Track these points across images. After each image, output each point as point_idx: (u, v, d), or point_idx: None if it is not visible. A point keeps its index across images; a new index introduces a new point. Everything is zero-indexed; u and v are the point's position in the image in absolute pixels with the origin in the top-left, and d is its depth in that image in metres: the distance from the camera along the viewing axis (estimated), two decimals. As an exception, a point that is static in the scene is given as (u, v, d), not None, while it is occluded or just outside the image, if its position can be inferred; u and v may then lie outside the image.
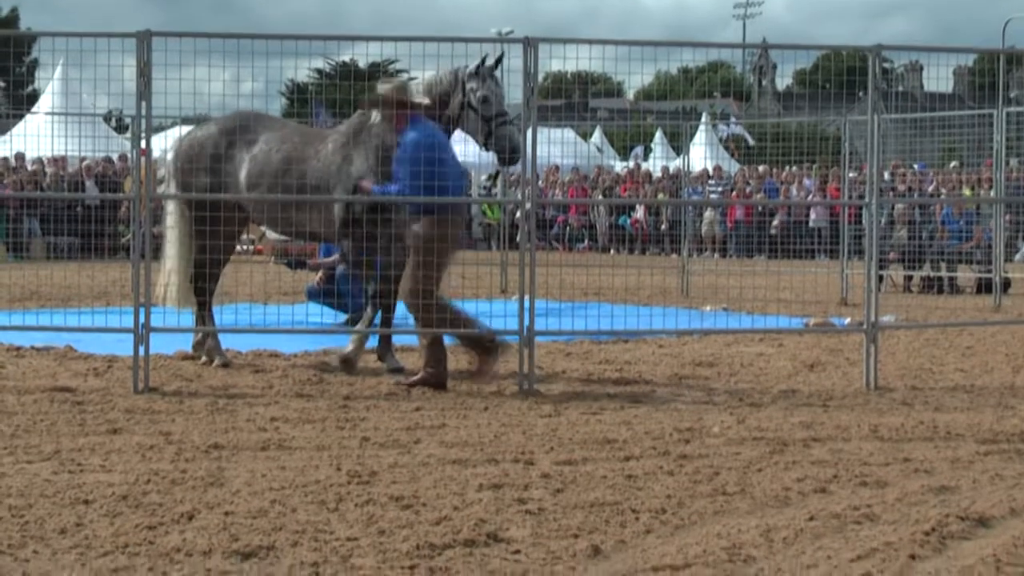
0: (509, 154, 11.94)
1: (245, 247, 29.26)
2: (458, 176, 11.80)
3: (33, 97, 55.96)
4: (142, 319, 11.25)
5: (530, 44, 11.41)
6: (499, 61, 12.02)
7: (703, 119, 44.45)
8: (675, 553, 6.33)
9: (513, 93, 12.08)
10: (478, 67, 11.86)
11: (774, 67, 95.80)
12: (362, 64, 35.40)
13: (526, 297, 11.57)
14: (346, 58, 30.49)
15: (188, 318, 13.05)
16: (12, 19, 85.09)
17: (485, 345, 11.49)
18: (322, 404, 10.54)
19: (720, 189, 34.61)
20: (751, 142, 41.77)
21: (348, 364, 12.25)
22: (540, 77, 11.79)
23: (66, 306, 16.46)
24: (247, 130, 12.33)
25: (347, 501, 7.30)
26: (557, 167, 37.52)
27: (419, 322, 11.48)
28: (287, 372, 12.22)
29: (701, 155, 40.36)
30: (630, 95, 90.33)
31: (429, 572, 6.00)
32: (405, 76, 12.64)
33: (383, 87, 11.82)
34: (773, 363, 13.42)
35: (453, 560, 6.19)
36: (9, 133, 35.11)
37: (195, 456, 8.49)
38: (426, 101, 11.73)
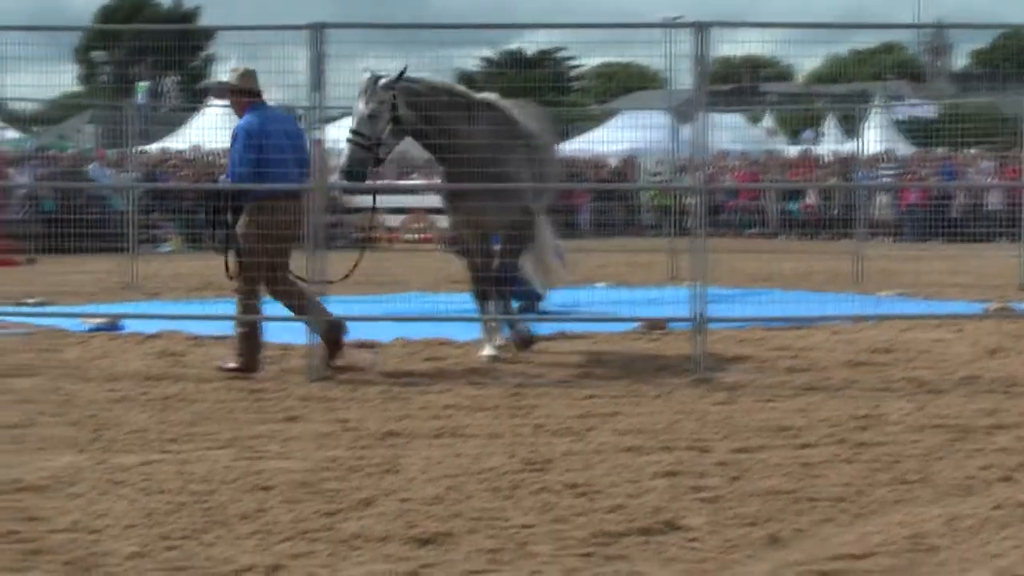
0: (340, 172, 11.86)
1: (415, 236, 29.54)
2: (296, 163, 11.60)
3: (208, 90, 57.00)
4: (317, 308, 11.38)
5: (701, 29, 11.32)
6: (401, 74, 11.84)
7: (876, 100, 43.70)
8: (855, 542, 6.23)
9: (683, 78, 12.00)
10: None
11: (950, 47, 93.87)
12: (530, 52, 35.48)
13: (698, 283, 11.48)
14: (514, 46, 30.54)
15: (361, 307, 13.19)
16: (192, 14, 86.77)
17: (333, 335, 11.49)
18: (495, 392, 10.58)
19: (893, 172, 34.02)
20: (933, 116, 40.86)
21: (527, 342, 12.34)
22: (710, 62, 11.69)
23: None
24: None
25: (522, 488, 7.31)
26: (726, 152, 37.22)
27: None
28: (459, 360, 12.28)
29: (875, 138, 39.71)
30: (800, 78, 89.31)
31: (605, 559, 5.98)
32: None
33: (230, 75, 11.78)
34: (952, 349, 13.14)
35: (629, 548, 6.16)
36: (185, 126, 35.83)
37: (371, 443, 8.57)
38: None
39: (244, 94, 11.58)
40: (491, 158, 11.83)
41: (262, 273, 11.49)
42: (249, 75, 11.70)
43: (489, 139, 11.93)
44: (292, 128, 11.93)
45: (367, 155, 11.66)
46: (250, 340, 11.50)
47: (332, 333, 11.49)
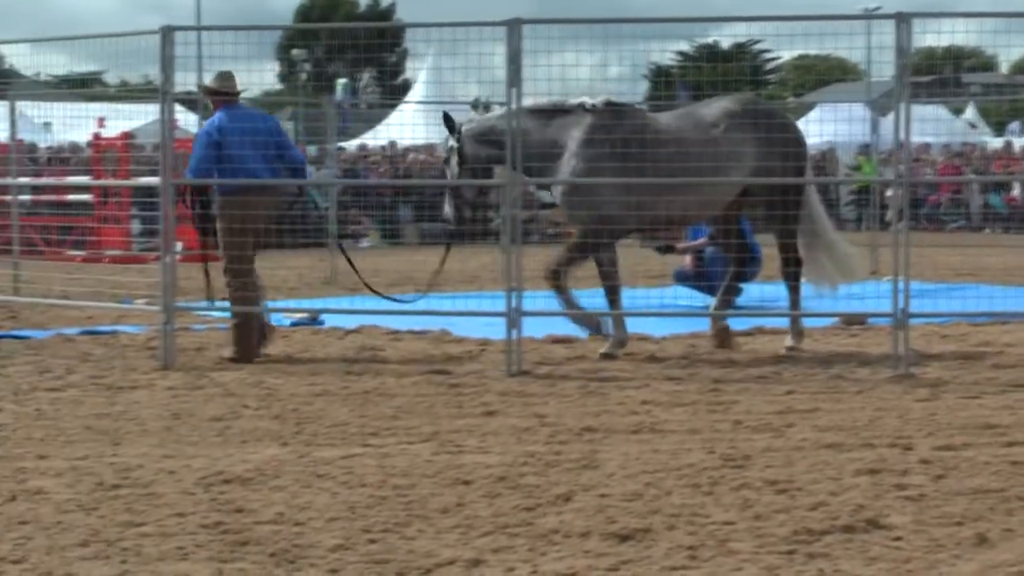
0: None
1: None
2: (264, 159, 12.02)
3: (404, 87, 57.57)
4: (514, 303, 11.43)
5: (903, 20, 11.09)
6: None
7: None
8: (1068, 544, 6.06)
9: (883, 69, 11.78)
10: None
11: None
12: (725, 45, 35.22)
13: (900, 278, 11.27)
14: (710, 39, 30.33)
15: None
16: (388, 12, 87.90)
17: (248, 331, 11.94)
18: (692, 387, 10.51)
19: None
20: None
21: (621, 344, 12.29)
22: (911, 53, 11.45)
23: (439, 291, 16.86)
24: None
25: (721, 485, 7.25)
26: (928, 145, 36.48)
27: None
28: (656, 355, 12.23)
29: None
30: (1004, 68, 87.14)
31: (807, 558, 5.90)
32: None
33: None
34: None
35: (832, 546, 6.06)
36: (383, 122, 36.26)
37: (569, 438, 8.57)
38: (239, 90, 12.25)
39: (217, 94, 12.17)
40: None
41: (244, 265, 11.98)
42: (223, 76, 12.26)
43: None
44: (262, 126, 12.28)
45: (460, 204, 12.61)
46: (243, 330, 12.01)
47: (252, 329, 12.06)
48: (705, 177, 11.92)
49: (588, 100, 12.31)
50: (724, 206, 12.50)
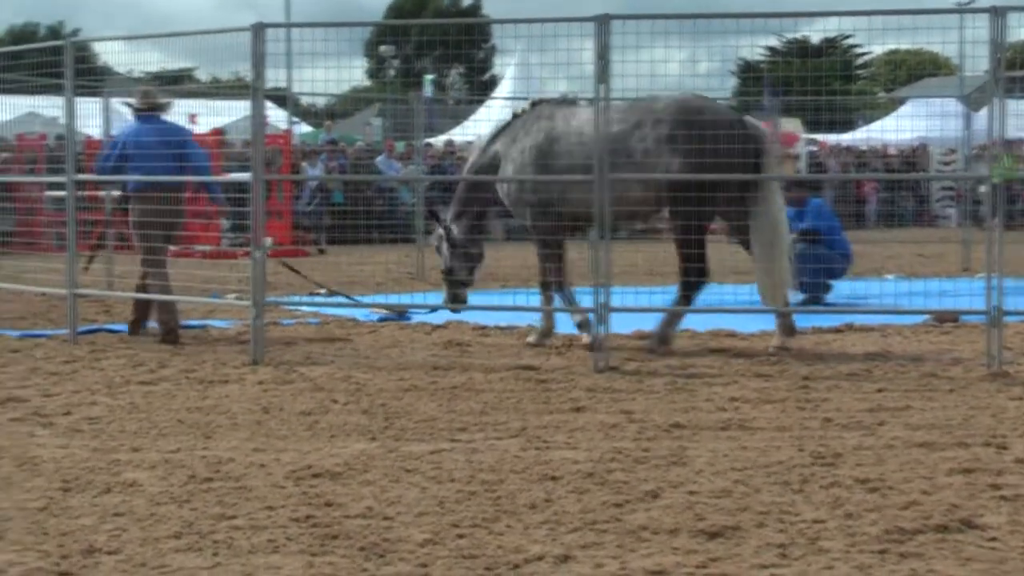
0: None
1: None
2: (161, 159, 13.15)
3: (492, 83, 57.65)
4: (601, 299, 11.41)
5: (998, 13, 10.95)
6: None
7: None
8: None
9: (977, 64, 11.63)
10: None
11: None
12: (815, 40, 34.94)
13: (994, 275, 11.13)
14: (799, 35, 30.08)
15: (646, 298, 13.18)
16: (473, 9, 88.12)
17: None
18: (781, 384, 10.44)
19: None
20: None
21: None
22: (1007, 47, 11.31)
23: (527, 286, 16.86)
24: None
25: (811, 483, 7.20)
26: (1022, 140, 36.01)
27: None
28: (744, 352, 12.16)
29: None
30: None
31: (900, 557, 5.84)
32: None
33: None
34: None
35: (925, 545, 6.00)
36: (470, 118, 36.32)
37: (657, 435, 8.55)
38: (163, 101, 13.65)
39: (140, 108, 13.58)
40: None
41: (153, 256, 13.19)
42: (145, 93, 13.71)
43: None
44: (169, 138, 13.36)
45: (454, 283, 13.31)
46: (138, 304, 13.54)
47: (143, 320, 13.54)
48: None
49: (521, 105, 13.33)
50: (649, 205, 12.40)
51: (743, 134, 12.02)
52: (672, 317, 12.36)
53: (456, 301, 13.33)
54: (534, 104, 13.11)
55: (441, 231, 13.35)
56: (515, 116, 13.08)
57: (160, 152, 13.19)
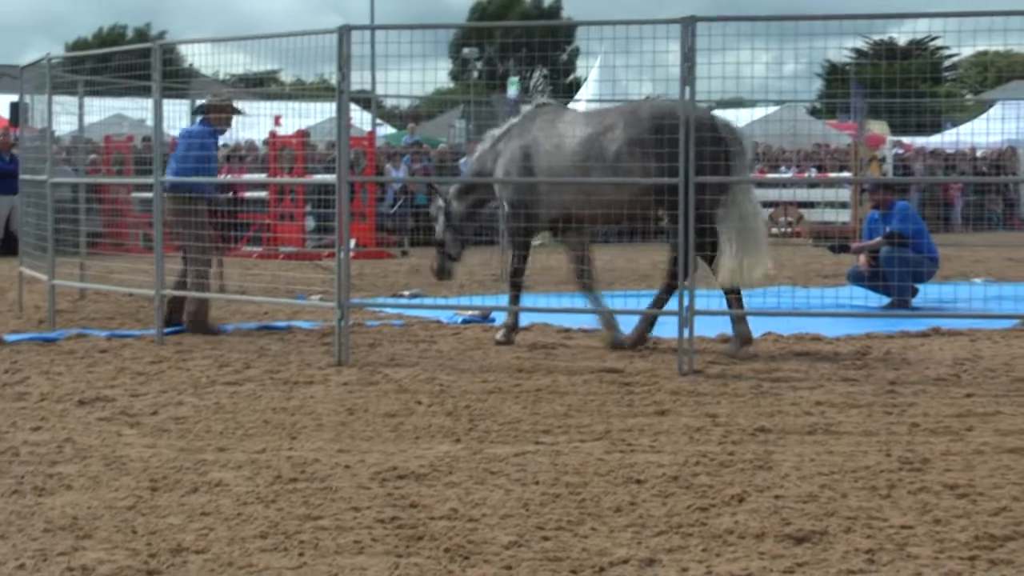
0: None
1: (784, 230, 29.23)
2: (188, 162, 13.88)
3: (575, 85, 57.58)
4: (686, 302, 11.36)
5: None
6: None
7: None
8: None
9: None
10: None
11: None
12: (902, 42, 34.67)
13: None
14: (886, 36, 29.85)
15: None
16: (553, 10, 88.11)
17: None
18: (867, 389, 10.35)
19: None
20: None
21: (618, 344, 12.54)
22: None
23: (610, 289, 16.84)
24: None
25: (899, 488, 7.13)
26: None
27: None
28: (830, 356, 12.07)
29: None
30: None
31: (990, 564, 5.77)
32: None
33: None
34: None
35: (1016, 552, 5.93)
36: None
37: (742, 439, 8.50)
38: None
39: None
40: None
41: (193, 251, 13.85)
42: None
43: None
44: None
45: (442, 258, 13.71)
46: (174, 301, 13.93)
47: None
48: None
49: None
50: (629, 208, 12.55)
51: (713, 136, 11.91)
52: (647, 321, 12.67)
53: (442, 274, 13.78)
54: (538, 107, 13.42)
55: (441, 203, 13.70)
56: (523, 116, 13.41)
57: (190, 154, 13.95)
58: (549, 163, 12.69)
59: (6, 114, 29.61)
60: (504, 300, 14.38)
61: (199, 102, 15.08)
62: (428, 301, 15.86)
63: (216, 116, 14.33)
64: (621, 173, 12.18)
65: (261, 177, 24.31)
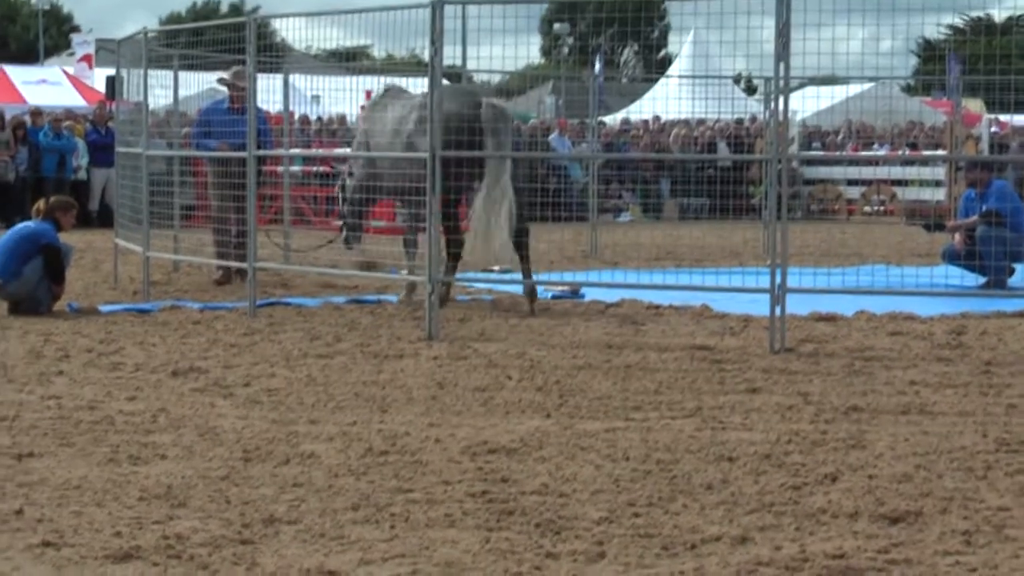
0: None
1: (876, 208, 28.98)
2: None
3: (666, 61, 57.34)
4: (778, 280, 11.27)
5: None
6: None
7: None
8: None
9: None
10: None
11: None
12: (998, 18, 34.19)
13: None
14: (983, 13, 29.45)
15: (825, 279, 13.02)
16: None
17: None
18: (963, 368, 10.23)
19: None
20: None
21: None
22: None
23: (700, 265, 16.77)
24: None
25: (996, 469, 7.04)
26: None
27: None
28: (924, 336, 11.93)
29: None
30: None
31: (1087, 549, 5.68)
32: None
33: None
34: None
35: (1115, 537, 5.83)
36: (646, 97, 36.17)
37: (834, 417, 8.43)
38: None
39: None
40: None
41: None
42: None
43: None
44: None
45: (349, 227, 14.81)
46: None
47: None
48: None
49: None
50: (409, 180, 13.13)
51: (472, 114, 13.05)
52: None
53: (348, 243, 14.81)
54: (386, 89, 14.82)
55: (343, 181, 14.95)
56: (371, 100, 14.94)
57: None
58: (377, 142, 14.09)
59: (103, 88, 29.92)
60: (593, 276, 14.37)
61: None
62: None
63: (231, 93, 15.96)
64: (414, 150, 13.10)
65: (346, 151, 24.36)
